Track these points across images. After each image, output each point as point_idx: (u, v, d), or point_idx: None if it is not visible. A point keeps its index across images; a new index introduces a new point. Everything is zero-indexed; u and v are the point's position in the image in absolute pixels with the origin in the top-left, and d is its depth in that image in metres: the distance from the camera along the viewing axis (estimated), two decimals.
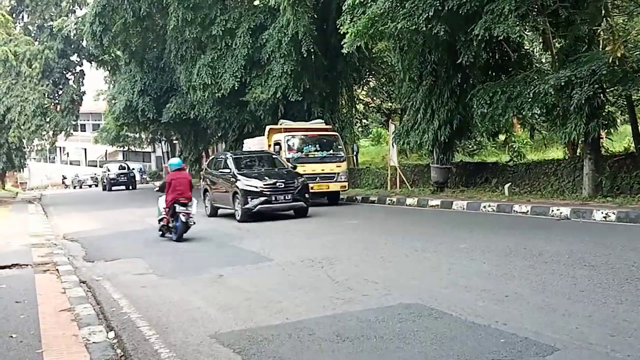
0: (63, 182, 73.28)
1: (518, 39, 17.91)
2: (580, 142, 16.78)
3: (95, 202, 31.68)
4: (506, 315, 6.14)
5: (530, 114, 18.43)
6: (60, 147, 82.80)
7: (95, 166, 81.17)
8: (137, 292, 8.69)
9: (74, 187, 66.70)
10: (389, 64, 29.07)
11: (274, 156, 20.21)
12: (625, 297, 6.60)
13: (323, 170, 21.31)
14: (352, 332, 5.94)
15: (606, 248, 9.68)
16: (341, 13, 19.01)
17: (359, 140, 37.24)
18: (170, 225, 14.11)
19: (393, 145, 23.34)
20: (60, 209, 28.65)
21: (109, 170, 50.33)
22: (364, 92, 36.25)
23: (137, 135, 67.24)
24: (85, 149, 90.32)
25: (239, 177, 17.58)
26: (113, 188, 47.84)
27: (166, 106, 37.93)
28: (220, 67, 28.60)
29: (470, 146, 27.90)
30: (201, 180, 21.27)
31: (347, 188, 22.35)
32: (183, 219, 13.68)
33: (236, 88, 27.89)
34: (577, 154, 18.19)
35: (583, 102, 14.81)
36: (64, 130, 42.23)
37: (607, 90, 16.03)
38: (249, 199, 16.96)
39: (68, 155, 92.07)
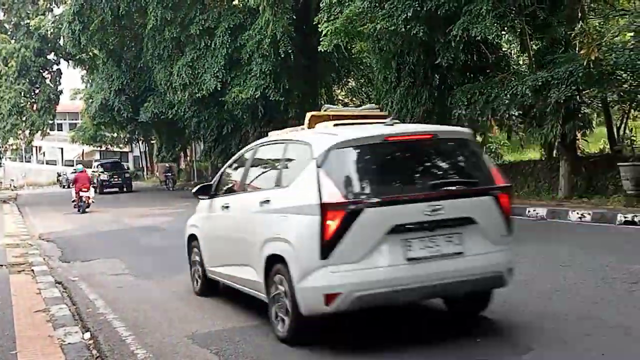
0: (58, 180, 72.09)
1: (496, 40, 18.00)
2: (556, 143, 16.93)
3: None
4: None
5: (507, 115, 18.56)
6: (36, 147, 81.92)
7: (72, 165, 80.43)
8: (114, 292, 8.63)
9: (63, 187, 65.20)
10: (368, 64, 29.11)
11: None
12: (601, 296, 6.68)
13: None
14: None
15: (582, 248, 9.78)
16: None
17: None
18: (80, 204, 23.97)
19: None
20: (36, 208, 28.35)
21: (102, 171, 41.50)
22: (343, 93, 36.31)
23: (115, 135, 66.74)
24: (61, 149, 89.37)
25: None
26: (105, 190, 39.43)
27: (144, 105, 37.69)
28: (200, 67, 28.46)
29: None
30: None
31: None
32: (84, 200, 23.93)
33: (218, 88, 27.81)
34: (554, 155, 18.36)
35: (560, 103, 14.94)
36: (40, 130, 41.75)
37: (583, 92, 16.19)
38: None
39: (44, 155, 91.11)
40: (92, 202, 24.40)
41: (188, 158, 48.99)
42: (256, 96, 26.26)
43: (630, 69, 15.60)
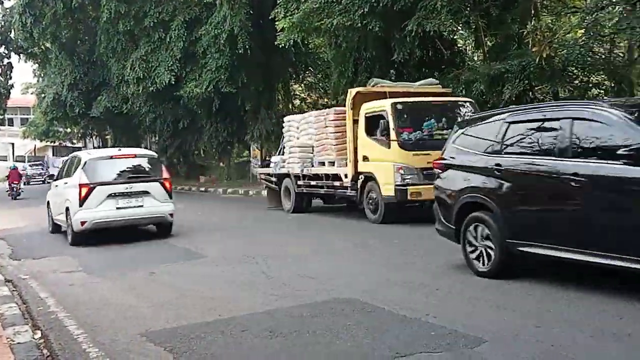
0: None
1: (451, 35, 18.21)
2: None
3: (25, 198, 30.67)
4: (437, 309, 6.24)
5: None
6: None
7: (23, 161, 78.66)
8: (66, 290, 8.46)
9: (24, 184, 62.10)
10: (325, 59, 29.11)
11: None
12: (550, 290, 6.79)
13: None
14: (285, 327, 5.92)
15: None
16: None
17: None
18: (13, 193, 30.73)
19: None
20: None
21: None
22: (300, 88, 36.23)
23: (68, 130, 65.44)
24: (12, 144, 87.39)
25: None
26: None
27: (97, 100, 37.00)
28: (154, 60, 28.15)
29: None
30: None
31: None
32: (14, 191, 30.70)
33: (172, 82, 27.49)
34: None
35: (514, 98, 15.16)
36: None
37: (536, 87, 16.46)
38: None
39: None
40: (22, 191, 31.83)
41: None
42: (211, 91, 26.06)
43: (581, 65, 15.96)
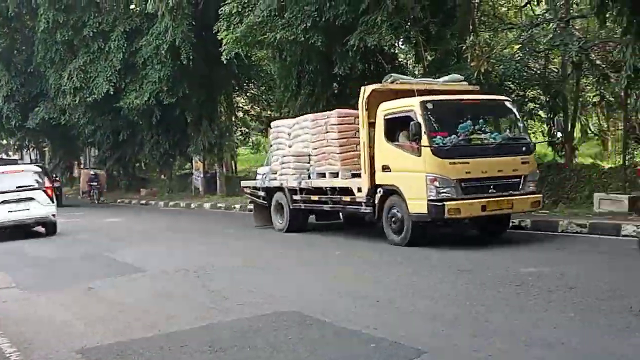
0: None
1: (392, 50, 18.45)
2: None
3: None
4: (377, 320, 6.28)
5: None
6: None
7: None
8: None
9: None
10: (269, 72, 29.13)
11: None
12: (487, 300, 6.92)
13: (501, 171, 10.79)
14: (225, 342, 5.87)
15: (467, 255, 10.12)
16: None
17: (238, 149, 37.06)
18: None
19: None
20: None
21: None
22: (243, 100, 36.14)
23: (4, 142, 63.59)
24: None
25: None
26: None
27: (34, 111, 36.05)
28: (92, 71, 27.65)
29: None
30: None
31: (541, 205, 11.56)
32: None
33: (111, 92, 27.03)
34: None
35: None
36: None
37: None
38: None
39: None
40: None
41: (82, 165, 47.24)
42: (152, 102, 25.76)
43: (517, 80, 16.40)
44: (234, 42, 17.95)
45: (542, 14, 18.81)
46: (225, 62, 20.18)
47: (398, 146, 11.07)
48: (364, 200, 11.77)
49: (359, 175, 12.15)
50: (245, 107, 36.13)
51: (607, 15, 12.46)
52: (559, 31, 15.67)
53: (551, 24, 16.85)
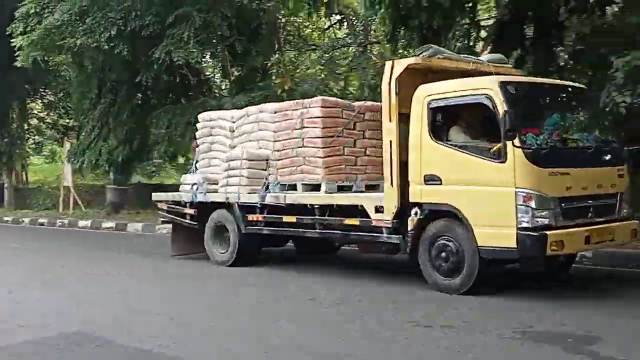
0: None
1: (198, 65, 18.44)
2: None
3: None
4: (170, 339, 6.12)
5: None
6: None
7: None
8: None
9: None
10: (67, 78, 27.72)
11: None
12: (280, 313, 7.05)
13: (601, 187, 7.81)
14: None
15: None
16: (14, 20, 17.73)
17: (31, 158, 34.82)
18: None
19: (67, 164, 22.20)
20: None
21: None
22: (38, 107, 34.04)
23: None
24: None
25: None
26: None
27: None
28: None
29: (149, 167, 27.80)
30: None
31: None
32: None
33: None
34: None
35: None
36: None
37: None
38: None
39: None
40: None
41: None
42: None
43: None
44: (30, 45, 16.95)
45: (343, 37, 19.80)
46: (19, 66, 18.94)
47: (460, 147, 7.70)
48: (388, 225, 8.26)
49: (373, 188, 9.48)
50: (41, 114, 34.04)
51: (399, 44, 13.31)
52: (357, 55, 16.58)
53: (350, 48, 17.78)
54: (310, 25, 22.69)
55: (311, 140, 9.46)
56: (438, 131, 7.94)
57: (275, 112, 10.13)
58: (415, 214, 7.93)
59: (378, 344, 5.76)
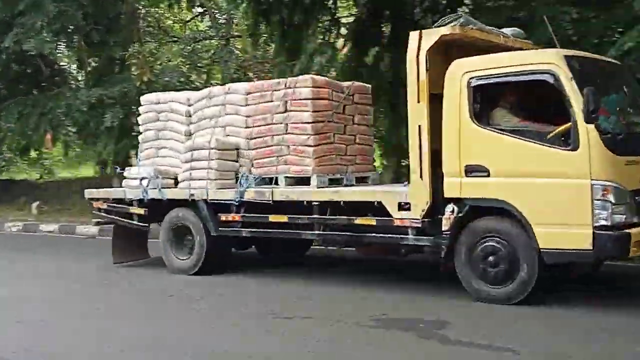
0: None
1: (52, 55, 17.71)
2: (110, 160, 17.17)
3: None
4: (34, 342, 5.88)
5: (65, 131, 18.24)
6: None
7: None
8: None
9: None
10: None
11: None
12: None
13: None
14: None
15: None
16: None
17: None
18: None
19: None
20: None
21: None
22: None
23: None
24: None
25: None
26: None
27: None
28: None
29: None
30: None
31: None
32: None
33: None
34: (108, 172, 18.54)
35: (115, 123, 15.17)
36: None
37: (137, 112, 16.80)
38: None
39: None
40: None
41: None
42: None
43: (175, 90, 16.74)
44: None
45: (206, 30, 19.60)
46: None
47: (514, 132, 6.43)
48: (417, 225, 6.86)
49: (363, 180, 8.53)
50: None
51: (260, 39, 13.41)
52: (220, 48, 16.49)
53: (213, 40, 17.66)
54: (171, 17, 22.29)
55: (298, 126, 7.98)
56: (480, 114, 6.64)
57: (249, 94, 8.52)
58: (452, 211, 6.65)
59: None
